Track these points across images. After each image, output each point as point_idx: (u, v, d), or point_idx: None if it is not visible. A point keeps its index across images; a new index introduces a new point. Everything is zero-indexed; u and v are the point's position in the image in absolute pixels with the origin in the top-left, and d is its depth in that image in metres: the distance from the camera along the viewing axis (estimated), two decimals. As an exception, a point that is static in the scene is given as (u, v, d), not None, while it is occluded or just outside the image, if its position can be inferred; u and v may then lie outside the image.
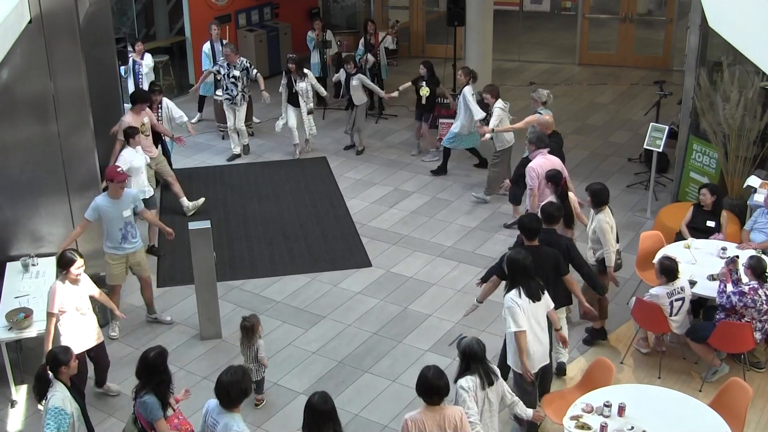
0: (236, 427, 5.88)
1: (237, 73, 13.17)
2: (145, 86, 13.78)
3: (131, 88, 13.73)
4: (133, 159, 10.07)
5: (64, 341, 7.54)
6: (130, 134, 10.13)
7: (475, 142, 12.62)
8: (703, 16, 9.91)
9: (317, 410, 5.70)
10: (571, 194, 9.03)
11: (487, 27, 14.12)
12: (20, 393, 8.30)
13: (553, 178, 8.88)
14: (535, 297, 7.03)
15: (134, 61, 13.74)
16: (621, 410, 6.74)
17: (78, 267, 7.63)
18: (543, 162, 9.55)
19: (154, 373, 6.38)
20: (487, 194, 12.05)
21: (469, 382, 6.26)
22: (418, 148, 13.86)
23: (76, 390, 6.70)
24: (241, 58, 13.39)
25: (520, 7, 18.80)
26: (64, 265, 7.64)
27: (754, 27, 5.97)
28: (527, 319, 7.00)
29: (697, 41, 10.95)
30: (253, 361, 8.02)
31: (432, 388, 5.94)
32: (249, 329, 7.98)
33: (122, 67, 13.75)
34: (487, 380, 6.32)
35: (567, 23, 18.76)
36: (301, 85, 13.10)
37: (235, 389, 5.90)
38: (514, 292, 7.04)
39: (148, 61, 13.98)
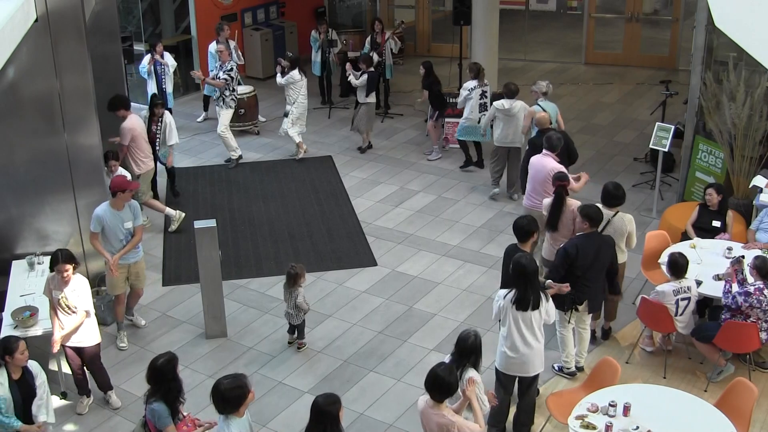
0: None
1: (222, 75, 12.99)
2: (168, 87, 13.76)
3: (151, 90, 13.71)
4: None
5: (55, 330, 7.70)
6: (109, 158, 9.77)
7: (480, 135, 12.62)
8: (709, 15, 9.89)
9: (319, 410, 5.69)
10: (572, 201, 8.85)
11: (493, 26, 14.12)
12: (26, 391, 8.32)
13: (557, 179, 8.81)
14: (522, 306, 6.99)
15: (157, 62, 13.64)
16: (626, 410, 6.73)
17: (60, 270, 7.51)
18: (540, 159, 9.58)
19: (162, 380, 6.34)
20: (494, 186, 12.11)
21: (447, 360, 6.44)
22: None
23: (25, 384, 6.80)
24: (230, 62, 13.24)
25: (526, 6, 18.77)
26: (51, 261, 7.67)
27: (760, 26, 5.97)
28: (510, 321, 7.04)
29: (703, 40, 10.92)
30: (293, 307, 8.67)
31: (437, 383, 5.91)
32: (293, 276, 8.63)
33: (143, 68, 13.71)
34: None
35: (573, 22, 18.73)
36: (280, 81, 13.11)
37: (216, 396, 5.87)
38: (504, 291, 7.08)
39: (171, 61, 13.90)
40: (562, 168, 9.41)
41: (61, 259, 7.54)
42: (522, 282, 6.98)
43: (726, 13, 7.02)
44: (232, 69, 13.06)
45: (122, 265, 8.78)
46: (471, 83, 12.43)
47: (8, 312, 8.05)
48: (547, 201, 8.93)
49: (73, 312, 7.67)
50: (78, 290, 7.69)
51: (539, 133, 10.43)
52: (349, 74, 13.57)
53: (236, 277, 10.26)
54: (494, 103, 11.68)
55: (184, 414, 6.55)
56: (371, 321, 9.41)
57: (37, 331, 7.93)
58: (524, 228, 7.71)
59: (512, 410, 7.63)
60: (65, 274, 7.54)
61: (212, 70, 13.31)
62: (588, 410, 6.78)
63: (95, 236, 8.58)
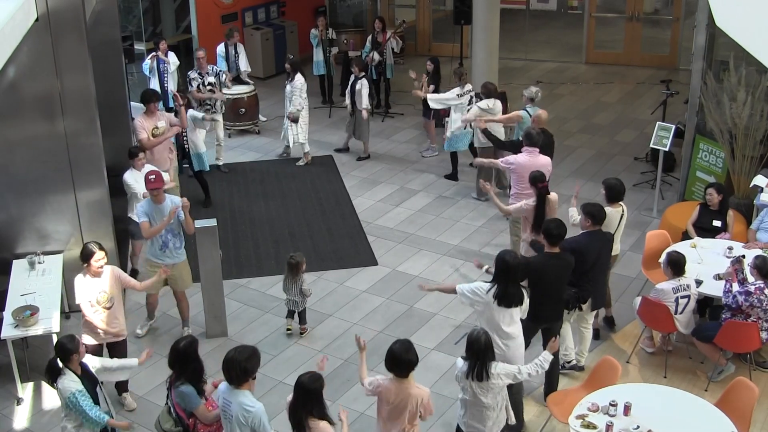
0: (249, 403, 5.99)
1: (212, 79, 12.79)
2: (171, 86, 13.73)
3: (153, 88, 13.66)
4: (133, 183, 9.49)
5: (84, 333, 7.65)
6: (134, 154, 9.62)
7: (469, 139, 12.41)
8: (710, 14, 9.89)
9: (304, 388, 5.87)
10: (552, 195, 8.84)
11: (494, 25, 14.11)
12: (26, 390, 8.32)
13: (534, 180, 8.71)
14: (503, 302, 6.90)
15: (160, 60, 13.60)
16: (627, 409, 6.73)
17: (98, 260, 7.56)
18: (525, 158, 9.53)
19: (186, 362, 6.44)
20: (479, 195, 12.09)
21: (461, 363, 6.47)
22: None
23: (88, 377, 6.71)
24: (211, 65, 13.09)
25: (527, 6, 18.78)
26: (84, 258, 7.61)
27: (760, 26, 5.96)
28: (487, 319, 6.96)
29: (703, 40, 10.93)
30: (298, 294, 8.96)
31: (397, 360, 6.15)
32: (294, 266, 8.90)
33: (145, 66, 13.69)
34: (474, 375, 6.36)
35: (573, 22, 18.73)
36: (287, 88, 12.94)
37: (235, 367, 5.98)
38: (488, 285, 6.95)
39: (174, 59, 13.87)
40: (549, 162, 9.59)
41: (97, 247, 7.58)
42: (504, 278, 6.90)
43: (727, 12, 7.02)
44: (221, 71, 13.07)
45: (157, 264, 8.71)
46: (458, 89, 12.12)
47: (9, 311, 8.05)
48: (517, 205, 8.88)
49: (107, 308, 7.68)
50: (116, 277, 7.78)
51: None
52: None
53: (237, 277, 10.27)
54: (478, 103, 11.55)
55: (207, 397, 6.59)
56: (372, 320, 9.42)
57: (37, 330, 7.92)
58: (554, 231, 7.53)
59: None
60: (101, 262, 7.58)
61: (196, 76, 13.06)
62: (588, 410, 6.78)
63: (146, 224, 8.56)
